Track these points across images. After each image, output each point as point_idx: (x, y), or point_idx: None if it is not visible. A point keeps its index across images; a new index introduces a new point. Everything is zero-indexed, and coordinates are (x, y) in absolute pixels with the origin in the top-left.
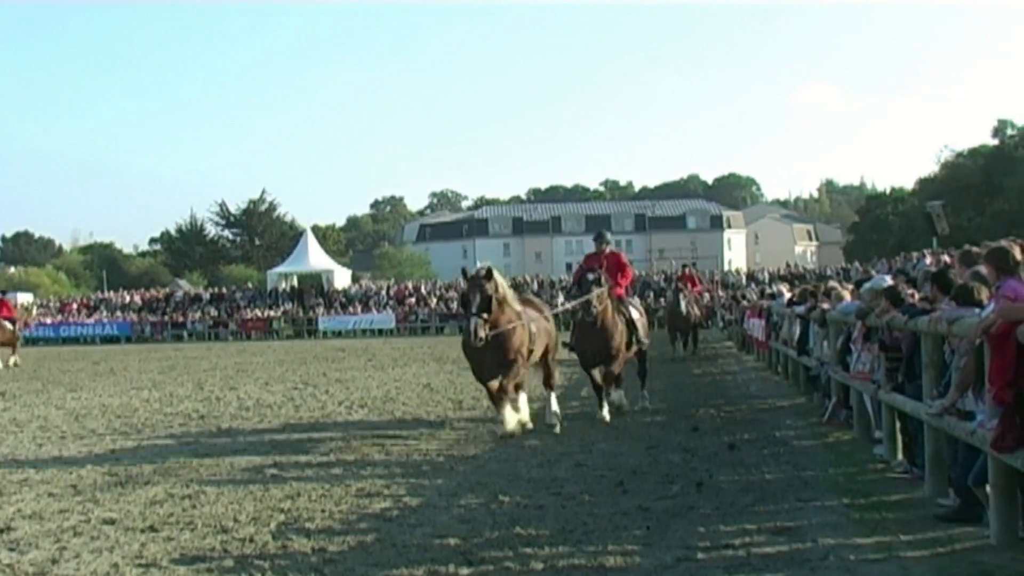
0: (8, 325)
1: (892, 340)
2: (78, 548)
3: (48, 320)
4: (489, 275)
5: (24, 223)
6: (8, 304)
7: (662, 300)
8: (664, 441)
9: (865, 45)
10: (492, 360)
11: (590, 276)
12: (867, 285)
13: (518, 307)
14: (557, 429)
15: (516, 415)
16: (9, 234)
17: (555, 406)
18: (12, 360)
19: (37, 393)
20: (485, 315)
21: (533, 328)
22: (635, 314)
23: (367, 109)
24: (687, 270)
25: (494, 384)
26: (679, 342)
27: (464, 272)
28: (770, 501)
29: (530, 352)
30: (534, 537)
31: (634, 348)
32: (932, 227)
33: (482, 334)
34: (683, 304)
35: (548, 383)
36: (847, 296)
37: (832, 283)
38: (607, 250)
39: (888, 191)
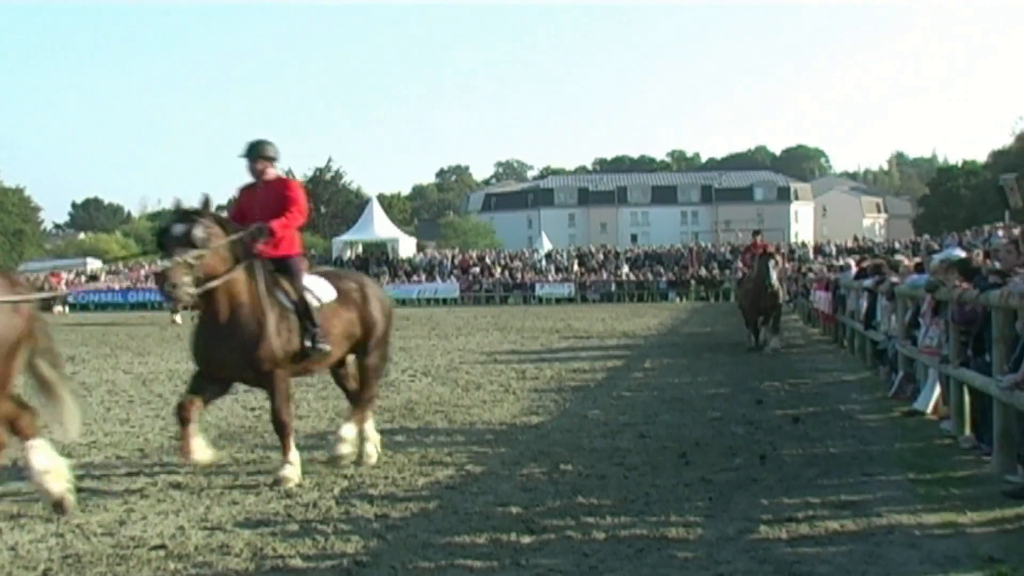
0: None
1: (962, 314)
2: (145, 510)
3: (116, 286)
4: None
5: (94, 190)
6: None
7: (727, 272)
8: (727, 413)
9: (935, 16)
10: None
11: (175, 230)
12: (936, 258)
13: None
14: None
15: None
16: (80, 200)
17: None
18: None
19: (106, 358)
20: None
21: None
22: (324, 294)
23: (433, 78)
24: (758, 238)
25: None
26: (767, 328)
27: None
28: (834, 475)
29: None
30: (596, 507)
31: (322, 359)
32: (1005, 200)
33: None
34: (774, 277)
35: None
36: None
37: (900, 256)
38: (271, 175)
39: (960, 164)
